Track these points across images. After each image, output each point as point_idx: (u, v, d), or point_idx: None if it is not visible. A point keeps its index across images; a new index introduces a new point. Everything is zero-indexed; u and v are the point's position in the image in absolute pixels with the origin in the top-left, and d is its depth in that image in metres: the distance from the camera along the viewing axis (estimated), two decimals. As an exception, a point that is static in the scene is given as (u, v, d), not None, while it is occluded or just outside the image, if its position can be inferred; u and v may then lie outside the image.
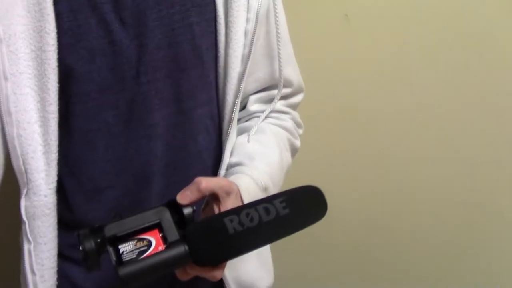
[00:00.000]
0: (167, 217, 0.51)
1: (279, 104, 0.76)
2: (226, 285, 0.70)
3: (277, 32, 0.71)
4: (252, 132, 0.72)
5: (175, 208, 0.53)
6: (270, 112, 0.75)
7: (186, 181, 0.56)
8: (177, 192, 0.55)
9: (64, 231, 0.65)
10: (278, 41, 0.71)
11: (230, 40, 0.66)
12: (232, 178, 0.62)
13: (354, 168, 1.17)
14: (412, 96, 1.11)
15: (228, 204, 0.56)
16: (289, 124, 0.77)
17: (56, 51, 0.59)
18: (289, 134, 0.77)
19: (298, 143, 0.80)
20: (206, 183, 0.55)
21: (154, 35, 0.63)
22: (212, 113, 0.69)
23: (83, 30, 0.60)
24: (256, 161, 0.67)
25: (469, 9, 1.04)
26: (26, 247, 0.63)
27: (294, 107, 0.80)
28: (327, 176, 1.16)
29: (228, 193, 0.56)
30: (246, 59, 0.67)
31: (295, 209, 0.53)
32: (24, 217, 0.62)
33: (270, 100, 0.74)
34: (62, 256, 0.65)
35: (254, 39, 0.67)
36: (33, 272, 0.63)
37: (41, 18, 0.58)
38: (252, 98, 0.74)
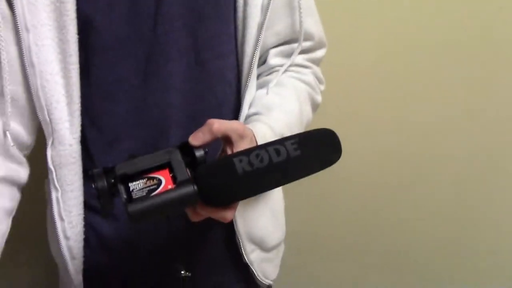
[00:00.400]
0: (177, 157, 0.51)
1: (300, 58, 0.75)
2: (238, 237, 0.71)
3: None
4: (271, 84, 0.71)
5: (188, 150, 0.53)
6: (291, 65, 0.73)
7: None
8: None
9: (88, 181, 0.67)
10: None
11: None
12: (248, 126, 0.62)
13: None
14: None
15: (241, 147, 0.55)
16: (310, 78, 0.76)
17: (75, 2, 0.60)
18: (309, 88, 0.75)
19: (319, 98, 0.78)
20: (219, 124, 0.54)
21: None
22: (231, 65, 0.69)
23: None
24: (274, 111, 0.67)
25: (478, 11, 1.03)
26: (54, 195, 0.65)
27: (316, 62, 0.78)
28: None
29: (241, 137, 0.56)
30: (265, 9, 0.66)
31: (307, 150, 0.52)
32: (51, 166, 0.64)
33: (290, 54, 0.73)
34: (87, 205, 0.68)
35: None
36: (61, 219, 0.66)
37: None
38: (272, 51, 0.73)
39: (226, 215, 0.53)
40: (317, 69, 0.78)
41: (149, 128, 0.66)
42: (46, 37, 0.60)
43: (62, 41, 0.61)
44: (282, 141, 0.52)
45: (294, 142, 0.52)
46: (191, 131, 0.68)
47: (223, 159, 0.52)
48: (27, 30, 0.59)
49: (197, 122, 0.68)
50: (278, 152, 0.51)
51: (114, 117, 0.66)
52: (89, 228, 0.69)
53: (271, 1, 0.66)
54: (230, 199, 0.52)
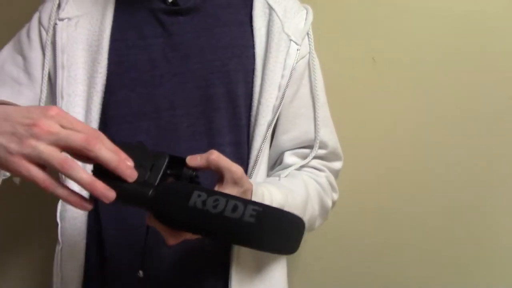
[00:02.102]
0: (161, 162, 0.53)
1: (315, 162, 0.79)
2: None
3: (315, 93, 0.78)
4: (283, 174, 0.75)
5: (180, 164, 0.55)
6: (305, 166, 0.78)
7: None
8: None
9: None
10: (315, 102, 0.77)
11: (264, 91, 0.72)
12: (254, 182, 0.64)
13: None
14: (434, 130, 1.13)
15: (229, 191, 0.56)
16: (323, 180, 0.79)
17: (104, 78, 0.69)
18: (320, 188, 0.78)
19: (329, 202, 0.80)
20: (217, 157, 0.57)
21: (194, 76, 0.72)
22: (240, 154, 0.74)
23: (132, 63, 0.70)
24: (282, 189, 0.69)
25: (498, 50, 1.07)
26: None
27: (333, 172, 0.82)
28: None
29: (235, 182, 0.57)
30: (276, 109, 0.73)
31: (263, 224, 0.50)
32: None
33: (305, 157, 0.78)
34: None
35: (285, 93, 0.73)
36: None
37: (98, 51, 0.70)
38: (288, 152, 0.78)
39: (169, 238, 0.55)
40: (331, 176, 0.82)
41: None
42: (77, 105, 0.70)
43: (87, 111, 0.69)
44: (247, 202, 0.51)
45: (255, 209, 0.51)
46: None
47: (190, 186, 0.53)
48: (62, 97, 0.68)
49: None
50: (235, 209, 0.50)
51: None
52: None
53: (282, 104, 0.73)
54: (173, 222, 0.52)
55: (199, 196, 0.51)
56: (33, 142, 0.47)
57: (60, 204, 0.71)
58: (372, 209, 1.17)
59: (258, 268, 0.74)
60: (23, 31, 0.78)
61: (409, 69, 1.10)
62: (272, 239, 0.52)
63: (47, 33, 0.74)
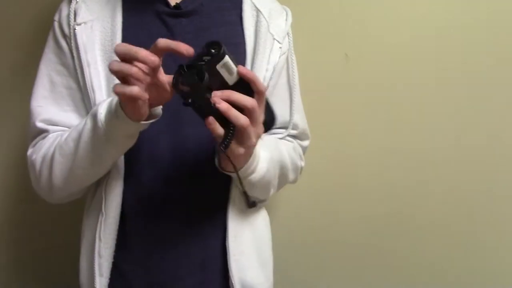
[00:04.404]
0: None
1: (288, 138, 0.97)
2: (233, 283, 0.87)
3: (292, 84, 0.93)
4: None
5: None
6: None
7: None
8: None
9: None
10: (291, 91, 0.93)
11: None
12: None
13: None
14: (412, 131, 1.20)
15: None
16: (292, 144, 0.97)
17: None
18: (289, 146, 0.96)
19: (297, 161, 0.98)
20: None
21: None
22: None
23: None
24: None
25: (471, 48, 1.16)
26: (99, 219, 0.85)
27: (302, 147, 1.00)
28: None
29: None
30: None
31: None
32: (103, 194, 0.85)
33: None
34: None
35: (269, 84, 0.88)
36: (100, 239, 0.86)
37: (112, 51, 0.83)
38: (263, 134, 0.93)
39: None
40: (298, 147, 0.99)
41: None
42: (103, 98, 0.83)
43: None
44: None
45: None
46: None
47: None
48: (93, 90, 0.85)
49: None
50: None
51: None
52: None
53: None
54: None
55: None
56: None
57: (105, 183, 0.85)
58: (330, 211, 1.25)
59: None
60: (50, 44, 0.89)
61: (382, 64, 1.20)
62: None
63: (70, 39, 0.86)
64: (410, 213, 1.24)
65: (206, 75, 0.66)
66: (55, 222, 1.29)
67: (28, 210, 1.30)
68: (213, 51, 0.67)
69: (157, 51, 0.67)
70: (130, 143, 0.78)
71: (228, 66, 0.68)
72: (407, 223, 1.25)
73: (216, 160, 0.82)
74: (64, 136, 0.82)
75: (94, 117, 0.76)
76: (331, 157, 1.24)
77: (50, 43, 0.90)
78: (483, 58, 1.17)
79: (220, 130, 0.70)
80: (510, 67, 1.17)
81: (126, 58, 0.66)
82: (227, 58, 0.68)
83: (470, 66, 1.18)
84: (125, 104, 0.71)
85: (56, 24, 0.89)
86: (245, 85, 0.70)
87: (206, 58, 0.67)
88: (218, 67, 0.68)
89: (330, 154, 1.24)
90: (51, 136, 0.85)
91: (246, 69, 0.71)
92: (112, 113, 0.74)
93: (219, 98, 0.68)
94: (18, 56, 1.26)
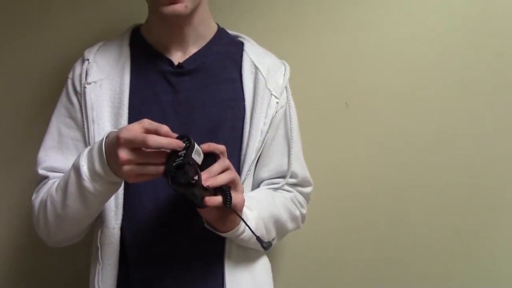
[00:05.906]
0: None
1: (286, 187, 1.00)
2: None
3: (290, 136, 0.97)
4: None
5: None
6: (277, 189, 0.99)
7: None
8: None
9: None
10: (289, 142, 0.97)
11: (251, 136, 0.92)
12: None
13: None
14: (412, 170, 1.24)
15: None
16: (289, 195, 1.00)
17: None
18: (285, 199, 0.98)
19: (296, 211, 1.00)
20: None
21: (198, 125, 0.92)
22: None
23: (147, 116, 0.85)
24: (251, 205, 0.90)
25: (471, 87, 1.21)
26: (97, 268, 0.89)
27: (303, 194, 1.03)
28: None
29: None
30: (258, 150, 0.93)
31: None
32: (98, 244, 0.89)
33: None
34: None
35: (266, 136, 0.93)
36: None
37: (120, 107, 0.89)
38: (264, 182, 0.99)
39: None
40: (298, 195, 1.02)
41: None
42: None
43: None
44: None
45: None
46: None
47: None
48: None
49: None
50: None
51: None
52: None
53: (263, 146, 0.93)
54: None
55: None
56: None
57: (100, 231, 0.89)
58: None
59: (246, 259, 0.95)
60: (63, 100, 0.97)
61: (380, 112, 1.25)
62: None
63: (81, 95, 0.93)
64: (416, 263, 1.27)
65: (194, 168, 0.74)
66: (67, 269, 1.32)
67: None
68: (185, 144, 0.75)
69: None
70: (116, 188, 0.84)
71: (198, 150, 0.76)
72: (410, 273, 1.27)
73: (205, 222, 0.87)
74: (55, 185, 0.87)
75: (77, 170, 0.80)
76: (332, 202, 1.27)
77: (62, 98, 0.97)
78: (483, 97, 1.22)
79: (219, 198, 0.77)
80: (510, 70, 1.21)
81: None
82: (196, 145, 0.76)
83: (469, 101, 1.23)
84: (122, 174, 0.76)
85: (69, 82, 0.96)
86: (209, 154, 0.80)
87: (182, 152, 0.74)
88: (193, 155, 0.75)
89: (332, 198, 1.27)
90: (49, 182, 0.91)
91: (206, 145, 0.79)
92: (96, 165, 0.78)
93: (207, 180, 0.77)
94: (36, 110, 1.30)
